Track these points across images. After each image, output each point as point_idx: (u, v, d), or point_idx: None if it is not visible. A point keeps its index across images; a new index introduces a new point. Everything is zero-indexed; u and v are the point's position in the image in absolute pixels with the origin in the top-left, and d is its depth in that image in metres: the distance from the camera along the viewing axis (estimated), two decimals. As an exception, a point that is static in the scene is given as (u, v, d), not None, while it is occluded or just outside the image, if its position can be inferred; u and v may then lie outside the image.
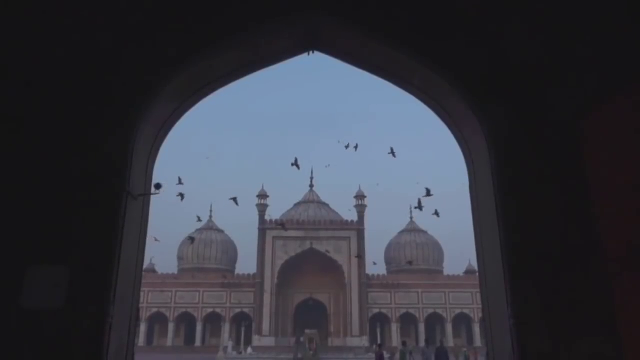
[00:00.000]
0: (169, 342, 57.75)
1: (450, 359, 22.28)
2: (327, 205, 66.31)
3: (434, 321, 59.69)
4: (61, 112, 3.97)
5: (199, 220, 45.91)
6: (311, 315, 57.16)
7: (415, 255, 62.79)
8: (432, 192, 32.30)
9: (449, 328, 58.90)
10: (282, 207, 65.35)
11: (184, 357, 45.65)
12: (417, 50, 4.37)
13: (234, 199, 39.65)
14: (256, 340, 54.70)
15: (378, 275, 61.04)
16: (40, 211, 3.70)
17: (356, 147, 35.96)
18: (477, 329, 56.18)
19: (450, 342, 52.19)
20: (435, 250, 65.25)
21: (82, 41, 4.20)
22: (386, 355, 26.97)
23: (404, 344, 25.78)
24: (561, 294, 3.64)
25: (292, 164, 37.94)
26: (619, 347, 3.44)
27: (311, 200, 66.63)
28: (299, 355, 39.87)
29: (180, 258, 64.46)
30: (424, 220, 64.70)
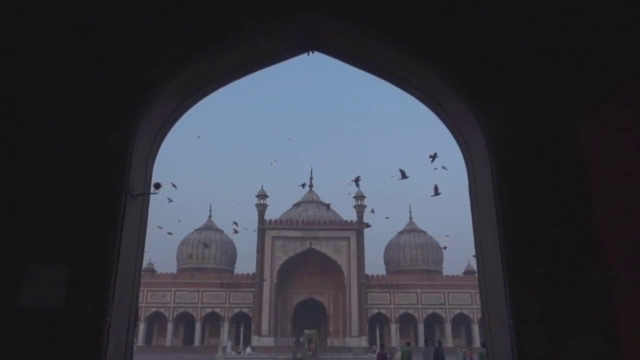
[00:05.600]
0: (168, 341, 57.76)
1: (449, 359, 22.28)
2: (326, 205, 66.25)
3: (433, 321, 59.68)
4: (61, 112, 3.96)
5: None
6: (310, 316, 57.18)
7: (414, 256, 62.85)
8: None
9: (448, 328, 58.93)
10: (281, 207, 65.37)
11: (183, 356, 45.60)
12: (417, 50, 4.37)
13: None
14: (255, 340, 54.68)
15: (377, 276, 61.04)
16: (39, 210, 3.69)
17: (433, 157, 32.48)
18: (476, 329, 56.17)
19: (449, 342, 52.25)
20: (434, 250, 65.23)
21: (82, 41, 4.19)
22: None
23: (407, 344, 25.93)
24: (561, 294, 3.63)
25: (430, 156, 33.92)
26: (618, 348, 3.44)
27: (310, 200, 66.62)
28: (298, 355, 39.93)
29: (179, 258, 64.43)
30: (423, 221, 64.71)
